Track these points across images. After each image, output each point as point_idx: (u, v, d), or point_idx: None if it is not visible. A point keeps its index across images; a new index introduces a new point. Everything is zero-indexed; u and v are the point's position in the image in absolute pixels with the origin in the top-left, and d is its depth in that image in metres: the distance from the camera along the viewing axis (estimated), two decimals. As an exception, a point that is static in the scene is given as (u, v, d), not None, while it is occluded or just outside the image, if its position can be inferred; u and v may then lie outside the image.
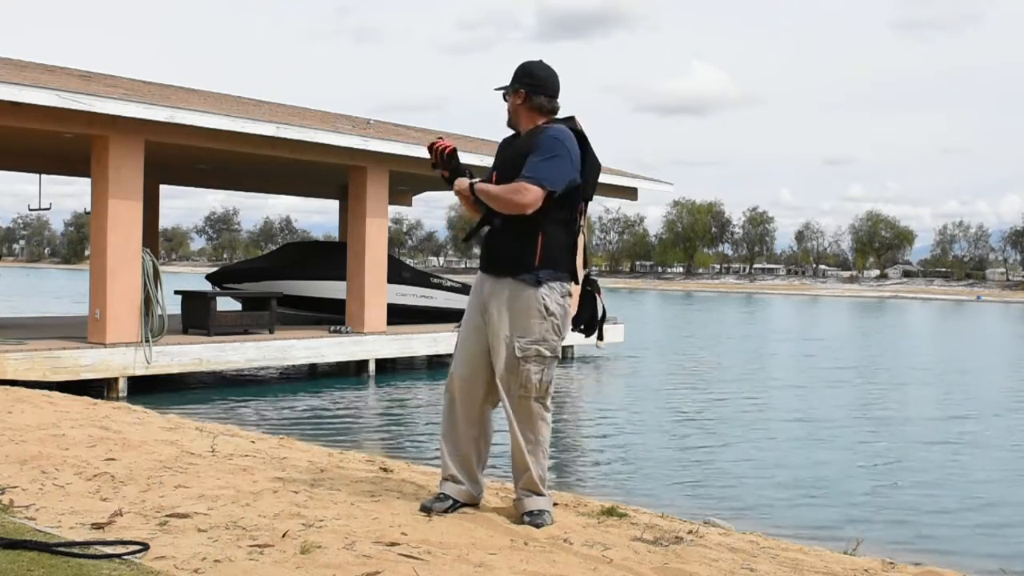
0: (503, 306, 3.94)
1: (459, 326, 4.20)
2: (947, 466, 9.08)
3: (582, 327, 4.15)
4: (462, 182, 4.06)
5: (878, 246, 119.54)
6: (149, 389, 11.97)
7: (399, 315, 16.10)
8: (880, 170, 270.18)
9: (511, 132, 4.21)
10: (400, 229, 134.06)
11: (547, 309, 3.93)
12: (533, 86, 4.03)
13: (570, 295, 4.04)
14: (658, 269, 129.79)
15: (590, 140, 4.05)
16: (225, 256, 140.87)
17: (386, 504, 4.17)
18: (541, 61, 4.10)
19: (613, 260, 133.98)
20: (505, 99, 4.12)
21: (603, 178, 5.94)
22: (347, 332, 14.55)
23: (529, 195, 3.82)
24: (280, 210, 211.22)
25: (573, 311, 4.08)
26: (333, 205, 21.16)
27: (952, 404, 13.87)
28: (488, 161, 4.75)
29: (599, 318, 4.18)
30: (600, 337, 4.18)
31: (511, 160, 4.00)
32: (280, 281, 16.21)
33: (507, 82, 4.11)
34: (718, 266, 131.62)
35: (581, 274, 4.09)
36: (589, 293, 4.14)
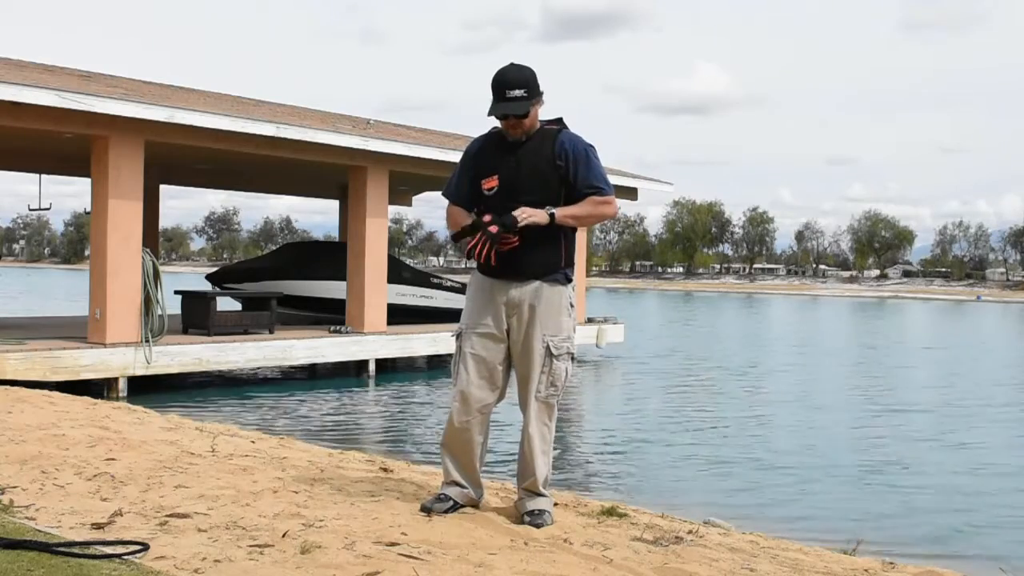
0: (536, 308, 3.92)
1: (458, 334, 4.03)
2: (948, 466, 9.08)
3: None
4: (538, 214, 3.77)
5: (878, 246, 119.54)
6: (149, 389, 11.96)
7: (399, 315, 16.10)
8: (880, 170, 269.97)
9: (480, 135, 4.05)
10: (400, 229, 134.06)
11: (571, 305, 4.04)
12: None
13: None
14: (658, 269, 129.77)
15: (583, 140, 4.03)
16: (225, 256, 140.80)
17: (386, 504, 4.17)
18: (513, 64, 3.91)
19: (613, 260, 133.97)
20: (523, 116, 3.83)
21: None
22: (347, 332, 14.55)
23: (615, 206, 4.00)
24: (280, 210, 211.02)
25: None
26: (333, 205, 21.16)
27: (955, 405, 13.86)
28: None
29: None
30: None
31: (531, 166, 3.88)
32: (280, 281, 16.21)
33: (521, 100, 3.78)
34: (718, 266, 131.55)
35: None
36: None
